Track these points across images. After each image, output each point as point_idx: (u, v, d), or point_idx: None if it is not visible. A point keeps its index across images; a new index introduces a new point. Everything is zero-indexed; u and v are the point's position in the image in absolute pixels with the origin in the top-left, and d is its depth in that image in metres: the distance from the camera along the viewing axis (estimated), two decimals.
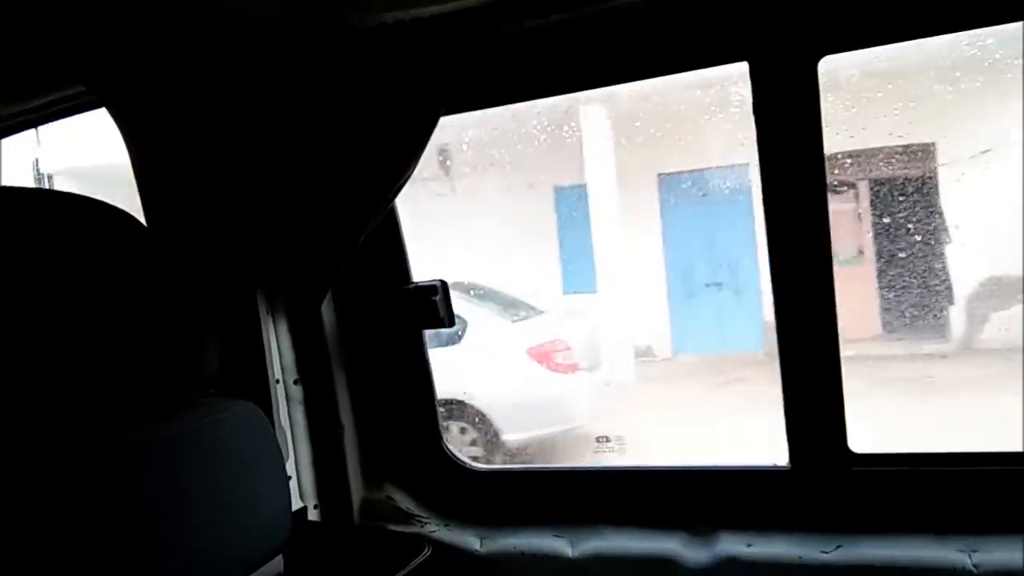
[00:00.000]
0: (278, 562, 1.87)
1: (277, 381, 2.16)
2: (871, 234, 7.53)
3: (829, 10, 1.82)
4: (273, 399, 2.15)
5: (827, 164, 1.87)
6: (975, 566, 1.80)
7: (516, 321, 8.29)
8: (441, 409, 2.39)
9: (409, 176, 1.99)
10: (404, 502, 2.29)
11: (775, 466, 2.06)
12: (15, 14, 1.87)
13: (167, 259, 1.76)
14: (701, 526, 2.06)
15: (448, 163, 9.06)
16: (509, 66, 2.02)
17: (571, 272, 10.26)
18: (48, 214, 1.56)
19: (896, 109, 5.31)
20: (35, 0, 1.81)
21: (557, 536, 2.14)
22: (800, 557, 1.93)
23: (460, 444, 6.79)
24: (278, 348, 2.17)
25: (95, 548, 1.38)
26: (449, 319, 2.22)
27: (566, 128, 8.16)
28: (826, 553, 1.92)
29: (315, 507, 2.23)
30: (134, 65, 2.03)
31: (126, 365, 1.57)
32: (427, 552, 2.07)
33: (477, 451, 7.00)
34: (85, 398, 1.48)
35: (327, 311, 2.22)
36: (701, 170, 9.47)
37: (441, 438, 2.32)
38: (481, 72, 1.97)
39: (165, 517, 1.47)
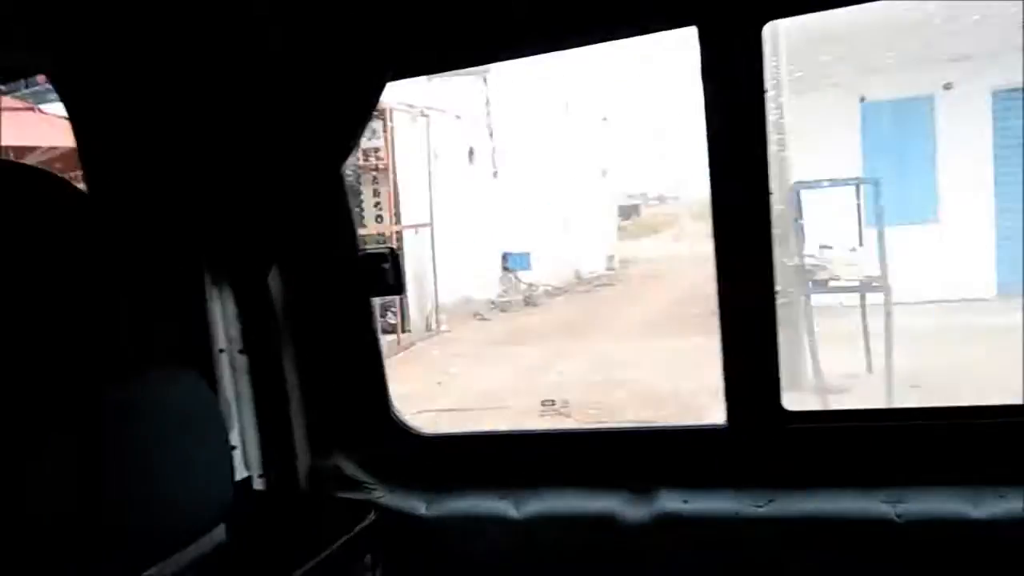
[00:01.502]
0: (220, 531, 1.88)
1: (222, 351, 2.15)
2: None
3: None
4: (217, 369, 2.14)
5: None
6: (898, 516, 1.92)
7: None
8: None
9: (355, 146, 2.00)
10: (351, 469, 2.30)
11: (713, 425, 2.16)
12: None
13: (107, 227, 1.74)
14: (640, 485, 2.13)
15: None
16: (454, 31, 2.04)
17: None
18: None
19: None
20: None
21: (501, 498, 2.18)
22: (736, 512, 2.03)
23: None
24: (223, 318, 2.15)
25: (32, 514, 1.39)
26: (398, 286, 2.24)
27: None
28: (759, 507, 2.02)
29: (260, 476, 2.23)
30: (78, 34, 1.98)
31: (65, 332, 1.56)
32: (372, 517, 2.10)
33: None
34: (22, 365, 1.48)
35: (274, 280, 2.21)
36: None
37: (390, 404, 2.34)
38: (426, 37, 1.99)
39: (102, 483, 1.49)
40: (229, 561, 1.93)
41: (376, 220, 14.05)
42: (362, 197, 13.87)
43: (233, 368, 2.17)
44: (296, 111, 1.98)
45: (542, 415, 8.18)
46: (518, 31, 2.06)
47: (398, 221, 14.33)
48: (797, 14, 1.95)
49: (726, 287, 2.05)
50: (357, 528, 2.11)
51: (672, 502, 2.09)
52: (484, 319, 15.54)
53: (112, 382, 1.59)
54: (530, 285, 16.53)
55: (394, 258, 2.23)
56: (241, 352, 2.19)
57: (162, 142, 2.05)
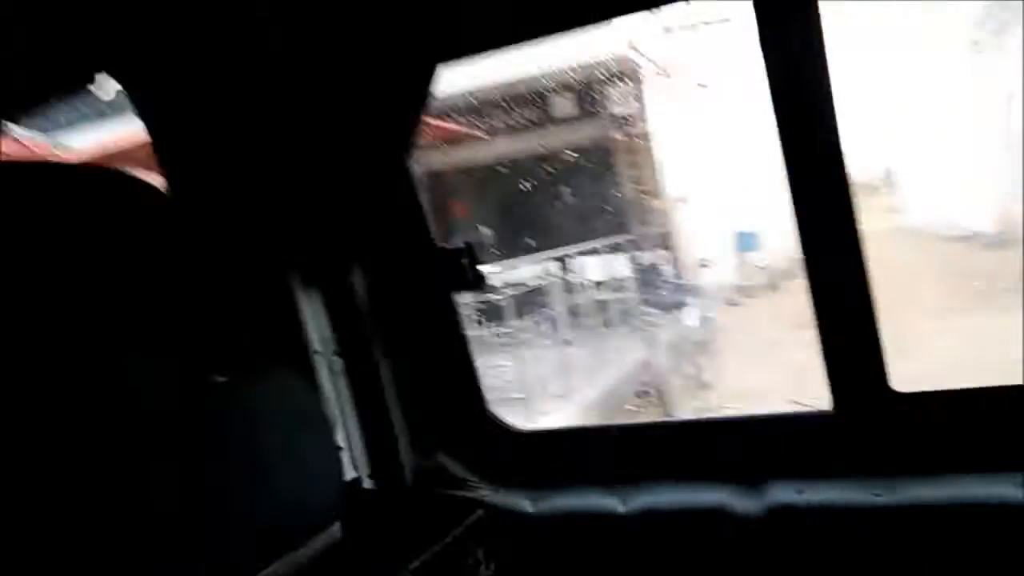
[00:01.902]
0: (336, 530, 1.92)
1: (317, 352, 2.21)
2: None
3: None
4: (317, 371, 2.20)
5: None
6: None
7: None
8: None
9: (417, 135, 1.99)
10: (455, 467, 2.30)
11: (819, 411, 1.97)
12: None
13: (195, 232, 1.82)
14: (749, 476, 1.99)
15: None
16: (504, 7, 1.98)
17: None
18: (74, 187, 1.63)
19: None
20: None
21: (606, 494, 2.11)
22: (853, 501, 1.86)
23: None
24: (314, 319, 2.21)
25: (142, 519, 1.44)
26: (477, 281, 2.21)
27: None
28: (878, 496, 1.84)
29: (368, 476, 2.28)
30: (151, 42, 2.08)
31: (156, 339, 1.64)
32: (479, 513, 2.09)
33: None
34: (118, 373, 1.55)
35: (359, 281, 2.24)
36: None
37: (485, 401, 2.32)
38: (474, 17, 1.94)
39: (212, 484, 1.53)
40: (346, 558, 1.98)
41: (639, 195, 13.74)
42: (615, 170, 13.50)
43: (331, 370, 2.23)
44: (354, 105, 2.01)
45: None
46: (568, 2, 1.97)
47: (658, 196, 13.95)
48: None
49: (814, 264, 1.88)
50: (465, 524, 2.11)
51: (784, 493, 1.93)
52: (735, 303, 14.98)
53: (218, 384, 1.66)
54: (763, 267, 15.74)
55: (471, 253, 2.19)
56: (336, 354, 2.24)
57: (235, 144, 2.12)
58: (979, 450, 1.80)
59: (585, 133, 12.90)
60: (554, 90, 12.02)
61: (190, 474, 1.50)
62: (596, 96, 12.13)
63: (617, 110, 12.62)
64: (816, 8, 1.77)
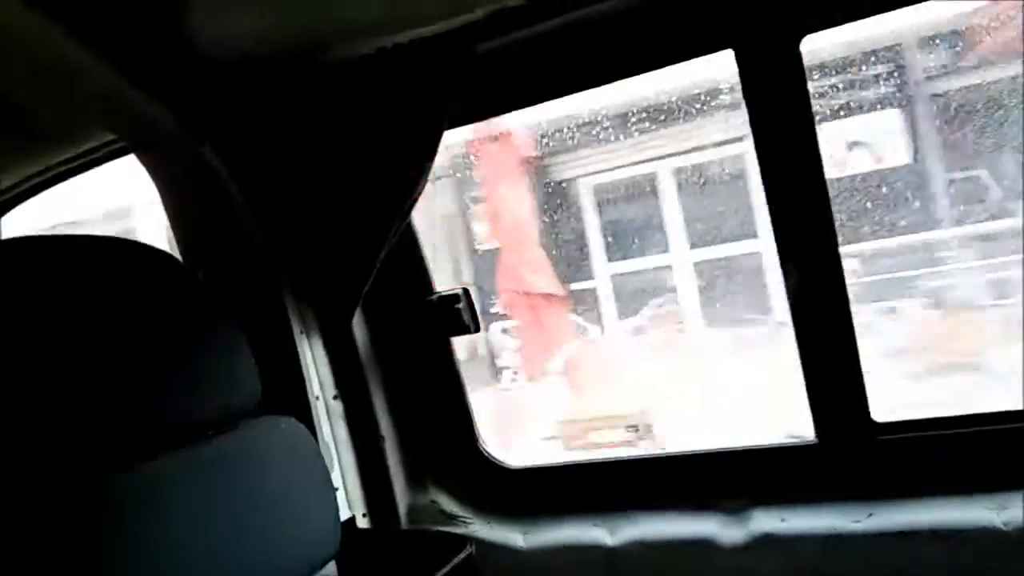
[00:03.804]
0: (331, 569, 1.96)
1: (317, 397, 2.26)
2: None
3: None
4: (314, 415, 2.25)
5: None
6: (1004, 523, 1.82)
7: None
8: None
9: (421, 192, 2.08)
10: (448, 504, 2.38)
11: (803, 441, 2.10)
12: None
13: (203, 292, 1.86)
14: (735, 505, 2.10)
15: None
16: (503, 77, 2.10)
17: None
18: (93, 258, 1.67)
19: None
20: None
21: (595, 526, 2.20)
22: (833, 528, 1.97)
23: None
24: (315, 365, 2.27)
25: (143, 565, 1.47)
26: (475, 325, 2.32)
27: None
28: (858, 522, 1.96)
29: (364, 515, 2.33)
30: (157, 107, 2.13)
31: (173, 394, 1.67)
32: (469, 550, 2.15)
33: None
34: (134, 427, 1.58)
35: (359, 327, 2.32)
36: None
37: (477, 439, 2.41)
38: (475, 86, 2.05)
39: (214, 534, 1.56)
40: None
41: None
42: None
43: (328, 413, 2.28)
44: (360, 167, 2.09)
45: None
46: (561, 71, 2.10)
47: None
48: (833, 26, 1.90)
49: (798, 301, 2.01)
50: (455, 561, 2.16)
51: (768, 521, 2.05)
52: None
53: (214, 435, 1.69)
54: None
55: (467, 298, 2.30)
56: (335, 398, 2.30)
57: (245, 204, 2.18)
58: (955, 475, 1.94)
59: None
60: None
61: (186, 522, 1.53)
62: None
63: None
64: (798, 53, 1.88)
